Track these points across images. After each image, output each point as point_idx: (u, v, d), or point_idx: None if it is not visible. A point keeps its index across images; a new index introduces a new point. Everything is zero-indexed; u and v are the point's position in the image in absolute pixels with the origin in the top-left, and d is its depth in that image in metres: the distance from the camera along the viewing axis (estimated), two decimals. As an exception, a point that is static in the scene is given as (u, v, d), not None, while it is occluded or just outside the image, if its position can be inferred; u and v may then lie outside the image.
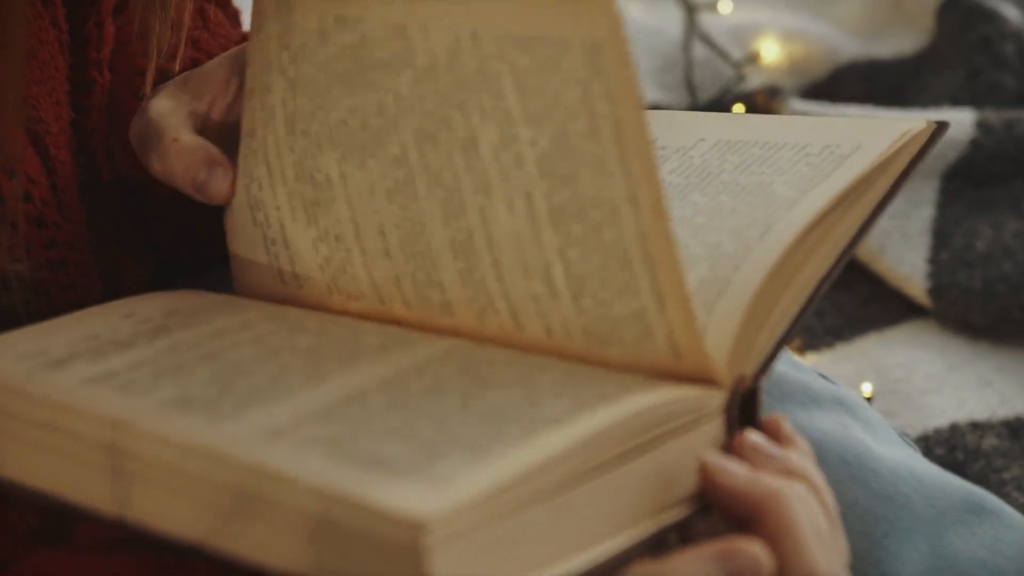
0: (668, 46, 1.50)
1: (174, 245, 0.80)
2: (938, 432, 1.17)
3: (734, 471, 0.52)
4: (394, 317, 0.62)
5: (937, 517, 0.66)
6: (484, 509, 0.47)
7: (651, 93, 1.46)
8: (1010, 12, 1.47)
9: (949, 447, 1.16)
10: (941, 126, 0.62)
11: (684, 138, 0.65)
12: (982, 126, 1.32)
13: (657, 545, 0.52)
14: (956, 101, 1.40)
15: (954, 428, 1.17)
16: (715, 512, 0.52)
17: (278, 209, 0.64)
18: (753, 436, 0.53)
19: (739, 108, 1.40)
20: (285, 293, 0.65)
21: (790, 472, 0.52)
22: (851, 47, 1.52)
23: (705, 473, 0.52)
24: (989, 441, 1.16)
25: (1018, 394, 1.22)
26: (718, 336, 0.54)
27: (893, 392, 1.21)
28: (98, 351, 0.59)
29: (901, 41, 1.52)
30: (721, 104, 1.40)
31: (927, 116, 1.34)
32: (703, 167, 0.63)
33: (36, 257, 0.66)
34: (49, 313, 0.64)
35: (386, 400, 0.53)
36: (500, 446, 0.49)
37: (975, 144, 1.31)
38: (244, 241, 0.66)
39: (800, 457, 0.53)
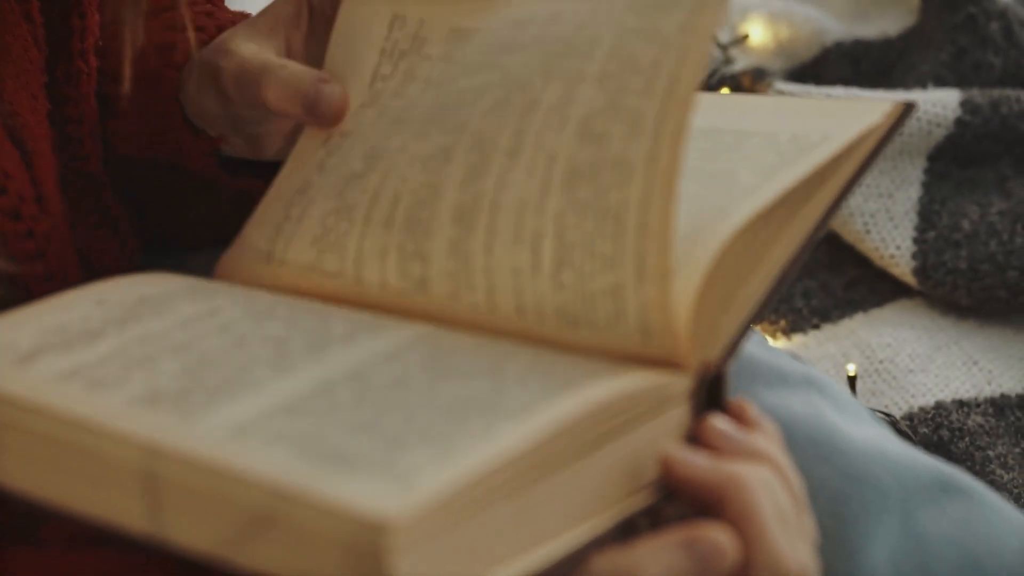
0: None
1: (158, 229, 0.81)
2: (923, 411, 1.18)
3: (693, 460, 0.52)
4: (365, 299, 0.62)
5: (908, 496, 0.66)
6: (447, 506, 0.47)
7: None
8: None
9: (934, 426, 1.16)
10: (908, 108, 0.62)
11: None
12: (968, 106, 1.32)
13: (626, 530, 0.52)
14: (942, 81, 1.40)
15: (939, 407, 1.18)
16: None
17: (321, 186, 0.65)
18: (717, 421, 0.53)
19: (725, 90, 1.40)
20: (265, 274, 0.66)
21: (754, 456, 0.52)
22: (838, 28, 1.52)
23: (665, 465, 0.52)
24: (974, 419, 1.17)
25: (1004, 372, 1.23)
26: (665, 322, 0.54)
27: (879, 372, 1.22)
28: (68, 343, 0.58)
29: (887, 22, 1.52)
30: (708, 86, 1.41)
31: (913, 96, 1.35)
32: None
33: (13, 250, 0.66)
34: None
35: (352, 392, 0.53)
36: (463, 439, 0.49)
37: (961, 124, 1.31)
38: (262, 214, 0.67)
39: (765, 440, 0.53)
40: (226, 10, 0.80)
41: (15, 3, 0.69)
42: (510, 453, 0.48)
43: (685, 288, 0.54)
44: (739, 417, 0.54)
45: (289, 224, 0.66)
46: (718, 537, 0.50)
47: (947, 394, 1.19)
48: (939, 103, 1.33)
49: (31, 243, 0.67)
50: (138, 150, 0.77)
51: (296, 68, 0.67)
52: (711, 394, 0.54)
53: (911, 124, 1.31)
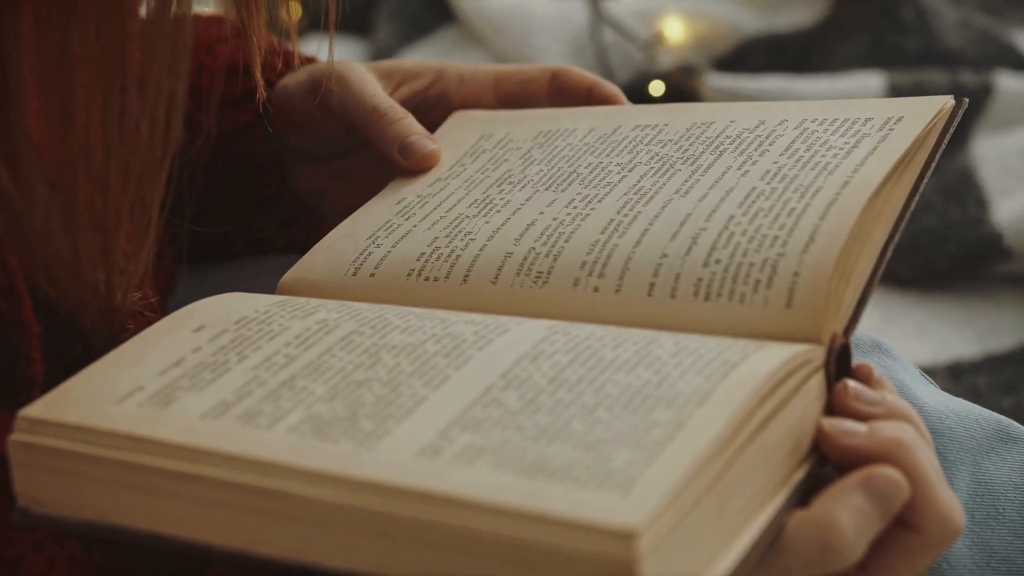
0: (576, 32, 1.54)
1: (193, 241, 0.81)
2: (887, 380, 1.23)
3: (853, 430, 0.54)
4: (467, 299, 0.64)
5: (976, 447, 0.69)
6: (673, 506, 0.48)
7: (565, 79, 1.49)
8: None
9: (900, 394, 1.21)
10: (961, 101, 0.66)
11: (772, 121, 0.69)
12: (894, 88, 1.38)
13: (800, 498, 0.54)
14: (864, 65, 1.46)
15: (902, 375, 1.23)
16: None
17: (451, 208, 0.70)
18: (856, 385, 0.56)
19: (658, 86, 1.44)
20: (347, 285, 0.67)
21: (895, 415, 0.55)
22: (752, 21, 1.57)
23: (825, 436, 0.54)
24: (937, 384, 1.22)
25: (954, 338, 1.28)
26: (810, 291, 0.57)
27: (839, 346, 1.26)
28: (195, 379, 0.57)
29: (799, 12, 1.58)
30: (639, 85, 1.44)
31: (838, 81, 1.40)
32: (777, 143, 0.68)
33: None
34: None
35: (518, 397, 0.53)
36: (658, 433, 0.50)
37: (889, 106, 1.37)
38: (350, 231, 0.70)
39: (894, 397, 0.56)
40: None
41: None
42: (711, 442, 0.49)
43: (825, 260, 0.57)
44: (866, 380, 0.57)
45: (378, 250, 0.68)
46: (892, 473, 0.53)
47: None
48: (865, 86, 1.39)
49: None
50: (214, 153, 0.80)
51: (401, 113, 0.75)
52: (840, 364, 0.57)
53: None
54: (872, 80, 1.40)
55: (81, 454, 0.54)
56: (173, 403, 0.55)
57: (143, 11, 0.56)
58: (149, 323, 0.64)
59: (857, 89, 1.38)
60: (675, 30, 1.55)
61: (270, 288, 0.70)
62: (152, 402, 0.56)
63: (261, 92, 0.66)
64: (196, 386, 0.56)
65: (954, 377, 1.25)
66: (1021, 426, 0.72)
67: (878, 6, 1.50)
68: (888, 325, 1.29)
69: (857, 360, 0.70)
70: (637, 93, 1.44)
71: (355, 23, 1.73)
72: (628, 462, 0.49)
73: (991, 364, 1.26)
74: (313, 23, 1.74)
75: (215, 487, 0.52)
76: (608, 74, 1.51)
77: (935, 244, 1.32)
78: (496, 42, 1.57)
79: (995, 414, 0.72)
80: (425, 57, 1.63)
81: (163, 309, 0.75)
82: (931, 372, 1.24)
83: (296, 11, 1.67)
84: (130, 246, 0.58)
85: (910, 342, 1.27)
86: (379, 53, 1.64)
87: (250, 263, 0.84)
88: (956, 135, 1.40)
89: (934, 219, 1.33)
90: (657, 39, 1.53)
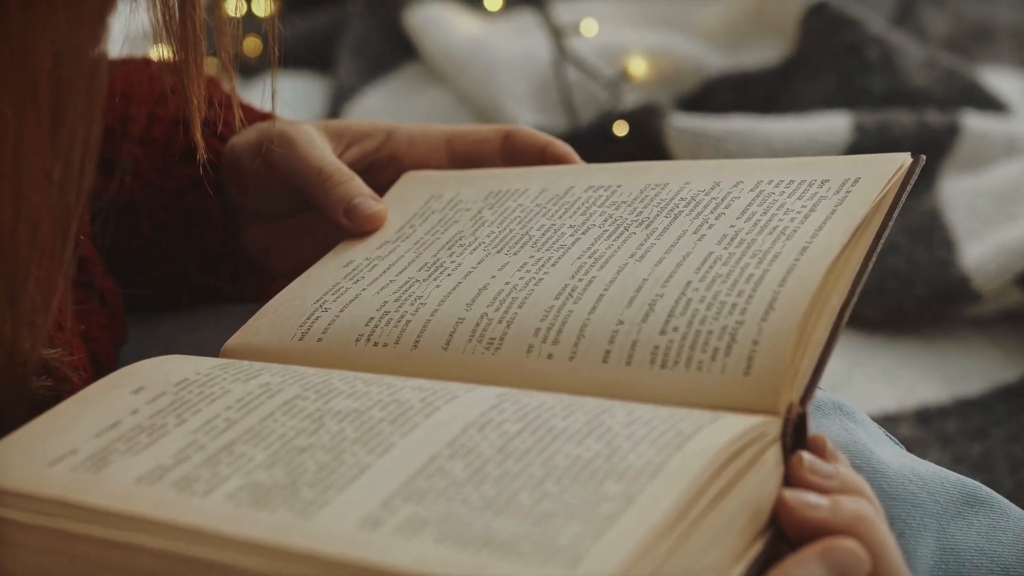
0: (539, 70, 1.52)
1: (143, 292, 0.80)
2: (854, 427, 1.21)
3: (816, 503, 0.53)
4: (418, 365, 0.62)
5: (940, 512, 0.68)
6: None
7: (529, 116, 1.48)
8: (871, 19, 1.53)
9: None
10: (918, 159, 0.65)
11: (727, 182, 0.68)
12: (859, 129, 1.37)
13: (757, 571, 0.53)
14: (829, 105, 1.45)
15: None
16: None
17: (401, 272, 0.68)
18: (811, 458, 0.55)
19: (621, 126, 1.42)
20: (294, 350, 0.65)
21: (847, 488, 0.54)
22: (717, 59, 1.56)
23: (787, 508, 0.53)
24: (903, 431, 1.21)
25: (922, 383, 1.27)
26: (770, 360, 0.55)
27: (806, 392, 1.24)
28: (131, 441, 0.55)
29: (764, 51, 1.56)
30: (603, 124, 1.43)
31: (804, 121, 1.39)
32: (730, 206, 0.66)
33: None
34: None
35: (464, 466, 0.52)
36: (607, 507, 0.48)
37: (855, 147, 1.36)
38: (297, 294, 0.69)
39: (847, 471, 0.55)
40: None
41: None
42: (662, 517, 0.48)
43: (786, 329, 0.56)
44: (820, 452, 0.56)
45: (326, 314, 0.67)
46: (853, 546, 0.52)
47: (873, 408, 1.23)
48: (832, 127, 1.37)
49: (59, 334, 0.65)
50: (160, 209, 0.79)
51: (349, 177, 0.75)
52: (796, 433, 0.56)
53: (808, 147, 1.35)
54: (838, 120, 1.38)
55: (9, 520, 0.53)
56: (107, 467, 0.54)
57: (57, 51, 0.53)
58: (81, 382, 0.62)
59: (823, 129, 1.37)
60: (640, 68, 1.53)
61: (223, 337, 0.69)
62: (85, 466, 0.54)
63: (202, 153, 0.65)
64: (132, 450, 0.55)
65: (922, 423, 1.23)
66: (988, 489, 0.71)
67: (843, 45, 1.48)
68: (855, 369, 1.27)
69: (819, 423, 0.68)
70: (601, 132, 1.42)
71: (316, 60, 1.71)
72: (576, 537, 0.47)
73: (960, 409, 1.24)
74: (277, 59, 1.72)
75: (148, 556, 0.51)
76: (572, 112, 1.49)
77: (902, 286, 1.30)
78: (459, 80, 1.55)
79: (962, 477, 0.71)
80: (387, 94, 1.61)
81: (115, 361, 0.74)
82: (898, 418, 1.22)
83: (255, 47, 1.65)
84: (39, 296, 0.56)
85: (877, 387, 1.25)
86: (340, 90, 1.62)
87: (202, 312, 0.83)
88: (923, 176, 1.39)
89: (901, 261, 1.31)
90: (622, 77, 1.52)
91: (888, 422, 1.21)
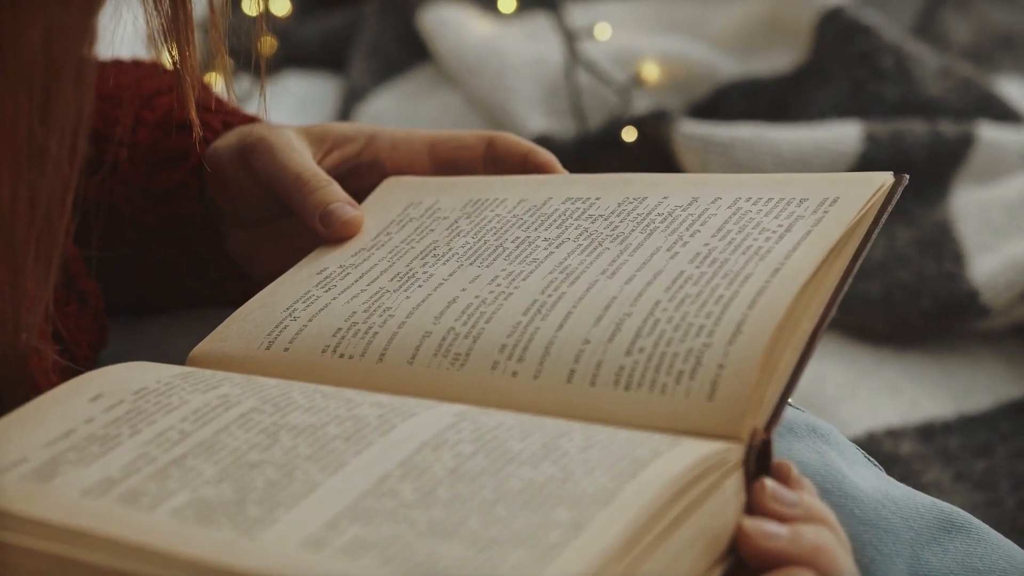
0: (551, 74, 1.51)
1: (127, 295, 0.80)
2: (855, 441, 1.19)
3: (775, 532, 0.52)
4: (382, 378, 0.61)
5: (915, 537, 0.67)
6: None
7: (538, 120, 1.47)
8: (887, 26, 1.51)
9: (868, 454, 1.18)
10: (901, 178, 0.64)
11: (706, 198, 0.67)
12: (871, 138, 1.35)
13: None
14: (841, 113, 1.43)
15: (871, 436, 1.20)
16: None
17: (373, 281, 0.68)
18: (774, 485, 0.54)
19: (630, 132, 1.41)
20: (260, 360, 0.65)
21: (811, 517, 0.53)
22: (730, 66, 1.55)
23: (746, 537, 0.52)
24: (905, 447, 1.19)
25: (926, 398, 1.25)
26: (735, 384, 0.55)
27: (808, 405, 1.23)
28: (82, 451, 0.54)
29: (778, 58, 1.55)
30: (612, 130, 1.41)
31: (814, 130, 1.37)
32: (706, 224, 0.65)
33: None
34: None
35: (414, 488, 0.51)
36: (556, 535, 0.47)
37: (865, 157, 1.34)
38: (268, 301, 0.68)
39: (812, 498, 0.54)
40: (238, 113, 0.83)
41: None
42: (609, 546, 0.47)
43: (752, 353, 0.55)
44: (784, 479, 0.55)
45: (294, 323, 0.66)
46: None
47: (877, 422, 1.21)
48: (842, 136, 1.35)
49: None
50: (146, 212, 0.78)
51: (327, 184, 0.74)
52: (760, 460, 0.55)
53: (817, 156, 1.33)
54: (849, 129, 1.36)
55: None
56: (55, 478, 0.53)
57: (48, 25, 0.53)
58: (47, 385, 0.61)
59: (833, 138, 1.35)
60: (653, 73, 1.52)
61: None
62: (34, 476, 0.53)
63: (197, 131, 0.65)
64: (82, 460, 0.54)
65: (925, 438, 1.21)
66: (966, 514, 0.70)
67: (858, 52, 1.46)
68: (858, 382, 1.25)
69: (791, 445, 0.67)
70: (609, 138, 1.41)
71: (330, 60, 1.71)
72: (519, 565, 0.46)
73: (964, 426, 1.22)
74: (289, 58, 1.72)
75: (88, 572, 0.50)
76: (581, 117, 1.48)
77: (909, 299, 1.29)
78: (469, 83, 1.54)
79: (938, 502, 0.69)
80: (398, 96, 1.60)
81: (94, 365, 0.74)
82: (901, 433, 1.21)
83: (270, 44, 1.65)
84: (37, 273, 0.56)
85: (881, 400, 1.24)
86: (352, 91, 1.61)
87: (187, 316, 0.82)
88: (935, 187, 1.37)
89: (909, 273, 1.30)
90: (634, 82, 1.50)
91: (890, 437, 1.20)
